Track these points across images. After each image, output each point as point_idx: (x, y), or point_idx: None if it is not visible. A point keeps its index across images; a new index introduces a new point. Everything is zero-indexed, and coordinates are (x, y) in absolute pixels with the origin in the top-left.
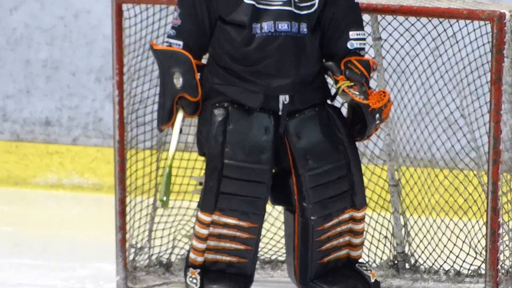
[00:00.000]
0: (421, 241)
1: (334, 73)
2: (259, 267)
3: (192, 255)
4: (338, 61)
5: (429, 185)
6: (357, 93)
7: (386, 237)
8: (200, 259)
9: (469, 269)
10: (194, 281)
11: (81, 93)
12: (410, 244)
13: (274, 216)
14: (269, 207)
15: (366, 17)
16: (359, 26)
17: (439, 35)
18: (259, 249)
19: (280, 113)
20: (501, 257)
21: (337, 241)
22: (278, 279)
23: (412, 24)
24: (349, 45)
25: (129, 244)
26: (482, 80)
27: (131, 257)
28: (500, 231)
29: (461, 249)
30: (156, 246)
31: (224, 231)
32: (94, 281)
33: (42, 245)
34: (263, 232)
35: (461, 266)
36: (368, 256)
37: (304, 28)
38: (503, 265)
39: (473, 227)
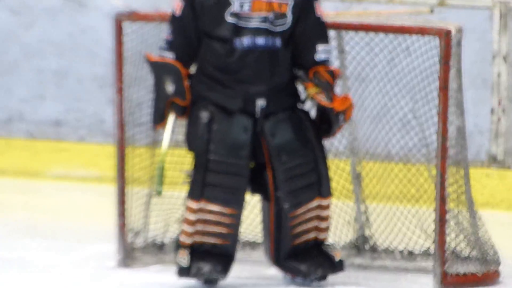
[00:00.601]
0: (379, 225)
1: (304, 81)
2: (240, 248)
3: (182, 238)
4: (307, 71)
5: (386, 177)
6: (324, 98)
7: (349, 222)
8: (189, 241)
9: (420, 250)
10: (184, 260)
11: (86, 98)
12: (369, 228)
13: (253, 204)
14: (248, 196)
15: (332, 33)
16: (326, 41)
17: (395, 48)
18: (240, 233)
19: (257, 115)
20: (448, 239)
21: (306, 226)
22: (256, 259)
23: (372, 39)
24: (316, 57)
25: (128, 228)
26: (432, 86)
27: (129, 239)
28: (447, 217)
29: (413, 233)
30: (151, 230)
31: (210, 217)
32: (97, 260)
33: (51, 229)
34: (243, 218)
35: (413, 247)
36: (334, 238)
37: (278, 42)
38: (449, 246)
39: (423, 213)
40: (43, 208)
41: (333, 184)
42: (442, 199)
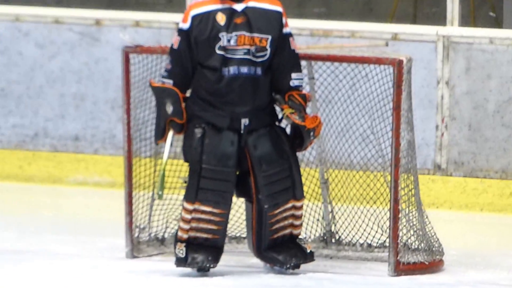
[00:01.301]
0: (343, 222)
1: (280, 103)
2: (228, 242)
3: (179, 233)
4: (283, 94)
5: (348, 182)
6: (297, 117)
7: (318, 219)
8: (185, 236)
9: (377, 243)
10: (181, 251)
11: (100, 117)
12: (335, 225)
13: (238, 205)
14: (234, 199)
15: (303, 63)
16: (299, 69)
17: (356, 75)
18: (228, 229)
19: (241, 131)
20: (400, 234)
21: (283, 223)
22: (241, 250)
23: (337, 67)
24: (291, 83)
25: (135, 225)
26: (387, 107)
27: (136, 234)
28: (400, 215)
29: (371, 228)
30: (154, 227)
31: (203, 216)
32: (109, 251)
33: (72, 226)
34: (230, 216)
35: (371, 241)
36: (305, 233)
37: (259, 71)
38: (401, 239)
39: (380, 212)
40: (65, 209)
41: (305, 188)
42: (395, 201)
